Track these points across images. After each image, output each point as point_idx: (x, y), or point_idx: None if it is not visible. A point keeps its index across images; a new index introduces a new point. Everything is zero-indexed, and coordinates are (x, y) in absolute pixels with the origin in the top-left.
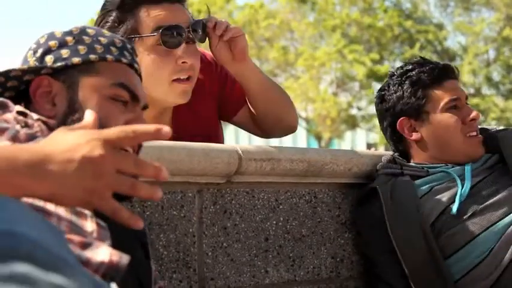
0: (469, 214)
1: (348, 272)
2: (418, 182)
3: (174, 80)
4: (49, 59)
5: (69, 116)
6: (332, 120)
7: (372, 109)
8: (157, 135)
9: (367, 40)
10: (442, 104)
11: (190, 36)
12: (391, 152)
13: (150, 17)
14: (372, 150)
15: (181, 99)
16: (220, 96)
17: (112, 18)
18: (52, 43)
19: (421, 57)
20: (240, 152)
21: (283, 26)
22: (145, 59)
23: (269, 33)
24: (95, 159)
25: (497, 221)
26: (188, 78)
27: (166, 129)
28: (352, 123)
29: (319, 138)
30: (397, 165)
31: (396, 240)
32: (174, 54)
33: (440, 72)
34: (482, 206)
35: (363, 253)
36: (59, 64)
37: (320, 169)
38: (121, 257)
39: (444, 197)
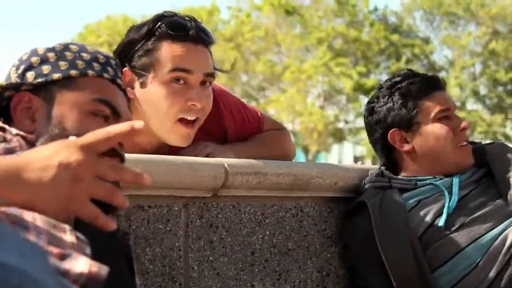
0: (456, 226)
1: (334, 286)
2: (406, 195)
3: (179, 120)
4: (30, 75)
5: (49, 131)
6: (319, 134)
7: (359, 122)
8: (131, 132)
9: (354, 53)
10: (432, 114)
11: (206, 81)
12: (377, 166)
13: (170, 54)
14: (359, 163)
15: (182, 142)
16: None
17: (134, 46)
18: (34, 59)
19: (408, 69)
20: (227, 165)
21: (270, 38)
22: (156, 92)
23: (255, 46)
24: (71, 164)
25: (484, 234)
26: (195, 121)
27: (139, 123)
28: (339, 136)
29: (306, 151)
30: (385, 179)
31: (385, 253)
32: (186, 94)
33: (430, 83)
34: (470, 218)
35: (349, 266)
36: (39, 80)
37: (306, 183)
38: (100, 268)
39: (432, 209)
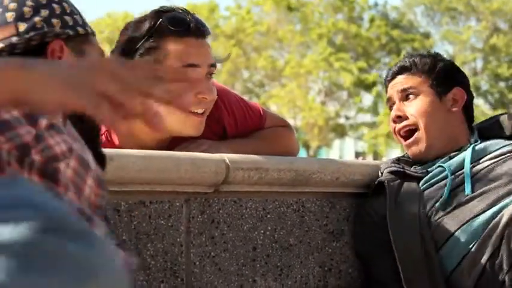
0: (454, 205)
1: (336, 281)
2: (421, 182)
3: (190, 112)
4: (56, 23)
5: None
6: (320, 129)
7: (360, 118)
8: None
9: (354, 49)
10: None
11: (210, 73)
12: (377, 162)
13: (177, 51)
14: (360, 159)
15: (196, 132)
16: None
17: (138, 47)
18: (55, 6)
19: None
20: (228, 161)
21: (271, 34)
22: None
23: (257, 41)
24: (94, 61)
25: (481, 213)
26: (203, 113)
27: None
28: (340, 131)
29: (307, 146)
30: (400, 165)
31: (394, 236)
32: (195, 88)
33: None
34: (471, 195)
35: (356, 254)
36: (67, 31)
37: (308, 178)
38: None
39: (440, 191)
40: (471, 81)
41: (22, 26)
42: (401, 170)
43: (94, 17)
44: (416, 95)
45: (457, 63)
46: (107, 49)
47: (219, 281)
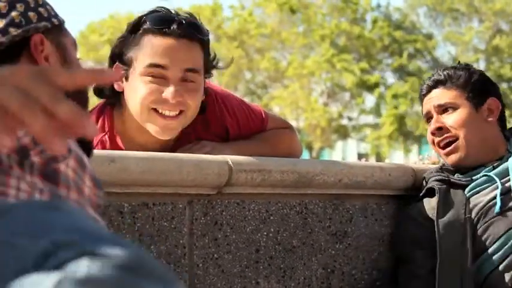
0: (506, 208)
1: (339, 283)
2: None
3: (154, 110)
4: (33, 16)
5: None
6: (323, 130)
7: (363, 119)
8: (101, 75)
9: (357, 50)
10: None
11: (186, 77)
12: (380, 163)
13: (147, 49)
14: (363, 160)
15: (162, 134)
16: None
17: (125, 41)
18: (30, 0)
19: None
20: (231, 163)
21: (274, 36)
22: (134, 85)
23: (260, 43)
24: (5, 70)
25: None
26: (179, 114)
27: (112, 72)
28: (343, 133)
29: (310, 148)
30: (444, 173)
31: (439, 234)
32: (162, 89)
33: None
34: None
35: (396, 257)
36: (44, 23)
37: (310, 180)
38: None
39: (486, 197)
40: None
41: (0, 22)
42: (447, 178)
43: (97, 19)
44: (454, 108)
45: None
46: (109, 50)
47: (222, 282)
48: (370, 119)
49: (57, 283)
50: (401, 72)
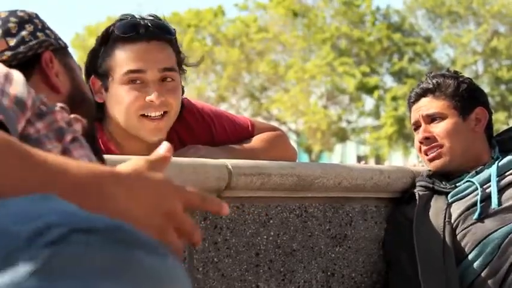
0: (485, 214)
1: (339, 286)
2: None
3: (142, 116)
4: (41, 35)
5: (75, 97)
6: (322, 133)
7: (362, 122)
8: (218, 210)
9: (357, 53)
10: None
11: (164, 77)
12: (379, 166)
13: (122, 57)
14: (362, 163)
15: (153, 136)
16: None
17: (97, 54)
18: (37, 21)
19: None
20: (230, 166)
21: (274, 39)
22: (117, 94)
23: (260, 46)
24: (177, 214)
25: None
26: (163, 115)
27: (226, 208)
28: (342, 136)
29: (309, 151)
30: (430, 180)
31: (417, 239)
32: (144, 93)
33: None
34: (502, 207)
35: (384, 253)
36: (53, 41)
37: (310, 183)
38: None
39: (467, 202)
40: None
41: (11, 41)
42: (431, 185)
43: (94, 21)
44: (442, 118)
45: (458, 66)
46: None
47: (222, 286)
48: (369, 121)
49: (50, 257)
50: (401, 74)
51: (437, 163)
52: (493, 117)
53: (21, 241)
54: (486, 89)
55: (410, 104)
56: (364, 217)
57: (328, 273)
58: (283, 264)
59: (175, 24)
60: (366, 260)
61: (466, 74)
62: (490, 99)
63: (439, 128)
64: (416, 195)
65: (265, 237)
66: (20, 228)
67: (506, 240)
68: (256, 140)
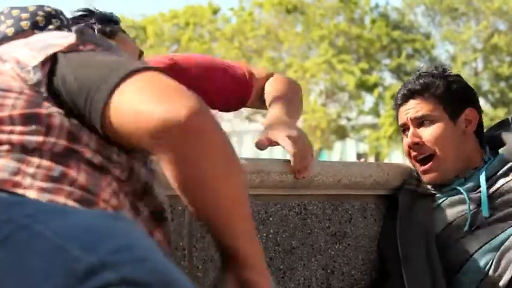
0: (475, 226)
1: (339, 283)
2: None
3: None
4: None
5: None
6: (322, 131)
7: (362, 119)
8: None
9: (356, 50)
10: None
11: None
12: (379, 163)
13: None
14: (362, 161)
15: None
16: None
17: None
18: (63, 18)
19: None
20: None
21: (271, 36)
22: None
23: (257, 44)
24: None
25: (499, 234)
26: None
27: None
28: (341, 133)
29: None
30: (414, 181)
31: (401, 247)
32: None
33: (401, 95)
34: (492, 218)
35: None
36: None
37: (309, 181)
38: None
39: (454, 210)
40: (472, 81)
41: (39, 33)
42: (414, 189)
43: None
44: (431, 121)
45: (458, 63)
46: None
47: None
48: (368, 119)
49: None
50: (400, 72)
51: (431, 176)
52: (493, 114)
53: (75, 275)
54: (486, 86)
55: (397, 107)
56: (364, 214)
57: (328, 271)
58: (283, 262)
59: (173, 23)
60: (366, 257)
61: (466, 70)
62: (490, 96)
63: (429, 133)
64: (400, 201)
65: (264, 234)
66: (79, 255)
67: (498, 254)
68: (284, 89)
